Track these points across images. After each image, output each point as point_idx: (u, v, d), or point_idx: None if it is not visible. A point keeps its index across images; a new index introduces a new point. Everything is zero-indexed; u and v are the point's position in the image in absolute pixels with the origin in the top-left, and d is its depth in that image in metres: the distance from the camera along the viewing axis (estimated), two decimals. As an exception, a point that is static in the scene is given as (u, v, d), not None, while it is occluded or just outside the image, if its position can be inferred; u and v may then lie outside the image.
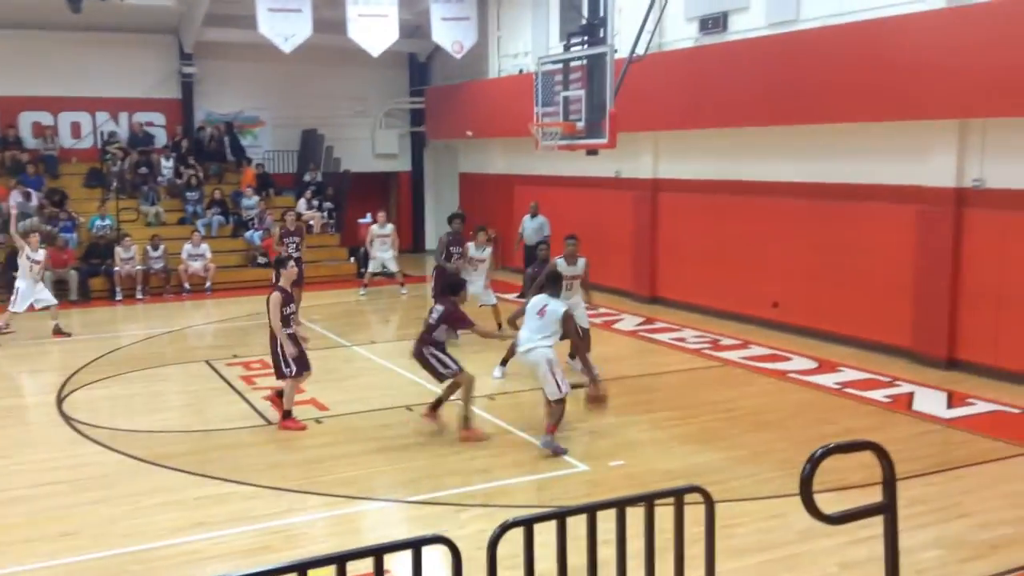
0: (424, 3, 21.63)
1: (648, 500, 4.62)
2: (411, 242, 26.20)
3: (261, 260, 20.56)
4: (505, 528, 4.21)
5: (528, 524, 4.25)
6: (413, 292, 19.22)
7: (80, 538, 7.09)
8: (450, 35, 21.50)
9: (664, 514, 4.66)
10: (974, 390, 11.16)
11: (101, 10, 20.26)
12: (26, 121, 22.02)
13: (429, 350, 9.40)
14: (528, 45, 20.85)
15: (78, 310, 17.41)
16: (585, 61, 13.33)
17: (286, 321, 9.71)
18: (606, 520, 4.49)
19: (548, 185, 20.00)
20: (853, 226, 13.41)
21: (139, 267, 18.92)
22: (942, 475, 8.28)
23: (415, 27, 23.40)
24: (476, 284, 13.56)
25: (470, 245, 13.75)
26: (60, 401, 11.10)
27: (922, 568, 6.35)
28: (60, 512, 7.61)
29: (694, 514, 4.75)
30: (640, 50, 13.72)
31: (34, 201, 19.40)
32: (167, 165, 22.18)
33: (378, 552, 3.91)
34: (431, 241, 25.98)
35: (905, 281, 12.65)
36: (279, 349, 9.69)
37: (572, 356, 11.40)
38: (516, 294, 17.89)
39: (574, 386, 10.71)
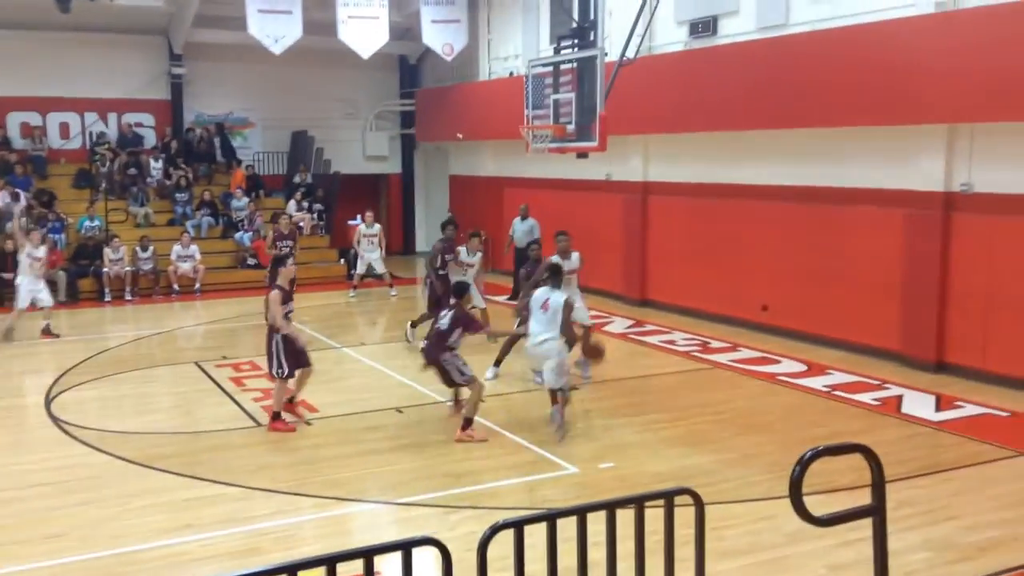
0: (414, 5, 21.64)
1: (638, 502, 4.63)
2: (401, 244, 26.20)
3: (251, 261, 20.54)
4: (496, 530, 4.21)
5: (518, 526, 4.26)
6: (403, 294, 19.21)
7: (68, 540, 7.05)
8: (440, 37, 21.51)
9: (654, 516, 4.67)
10: (962, 393, 11.21)
11: (90, 10, 20.20)
12: (14, 121, 21.93)
13: (446, 356, 9.41)
14: (518, 48, 20.86)
15: (66, 311, 17.32)
16: (575, 64, 13.33)
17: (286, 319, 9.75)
18: (596, 522, 4.50)
19: (538, 188, 20.01)
20: (842, 230, 13.46)
21: (128, 268, 18.84)
22: (931, 478, 8.32)
23: (405, 29, 23.41)
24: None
25: (461, 249, 13.76)
26: (49, 402, 11.04)
27: (910, 570, 6.37)
28: (48, 514, 7.58)
29: (684, 516, 4.76)
30: (630, 53, 13.75)
31: (22, 201, 19.31)
32: (156, 166, 22.11)
33: (368, 554, 3.91)
34: (421, 243, 26.00)
35: (894, 285, 12.70)
36: (274, 348, 9.69)
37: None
38: (507, 296, 17.95)
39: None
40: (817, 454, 4.29)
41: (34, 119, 22.02)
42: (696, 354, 13.62)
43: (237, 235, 21.12)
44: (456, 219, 16.17)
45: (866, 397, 11.10)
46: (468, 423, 9.41)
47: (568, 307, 9.69)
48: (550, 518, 4.40)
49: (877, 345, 12.96)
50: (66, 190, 21.08)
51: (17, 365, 13.41)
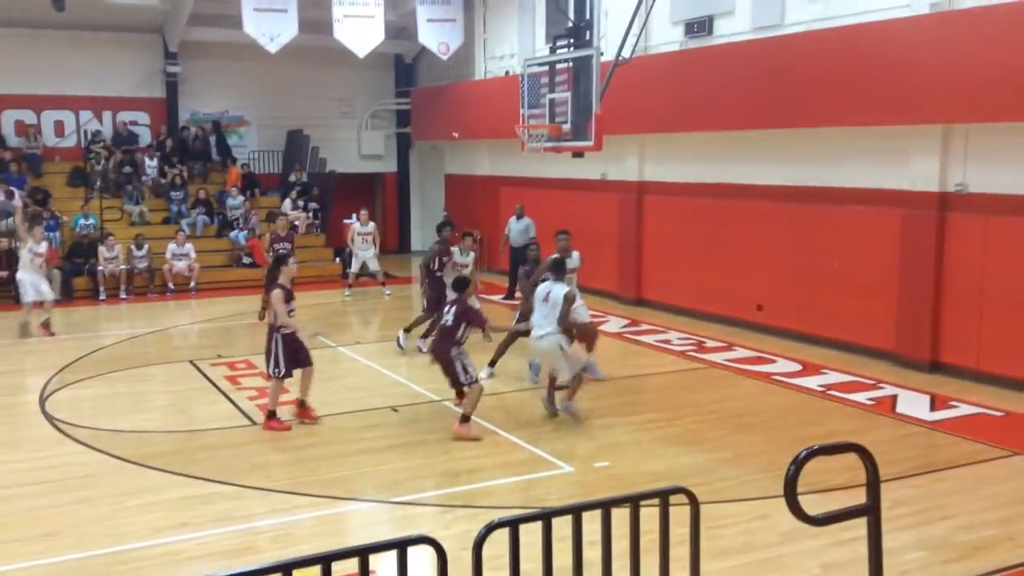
0: (410, 4, 21.62)
1: (633, 501, 4.64)
2: (397, 243, 26.20)
3: (246, 260, 20.52)
4: (491, 529, 4.21)
5: (514, 525, 4.26)
6: (398, 293, 19.20)
7: (62, 538, 7.04)
8: (436, 36, 21.50)
9: (649, 515, 4.68)
10: (957, 393, 11.23)
11: (85, 8, 20.18)
12: (9, 119, 21.91)
13: (454, 352, 9.50)
14: (514, 47, 20.86)
15: (61, 309, 17.24)
16: (571, 63, 13.34)
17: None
18: (591, 521, 4.50)
19: (534, 187, 20.01)
20: (837, 229, 13.47)
21: (123, 266, 18.82)
22: (925, 477, 8.33)
23: (401, 28, 23.39)
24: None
25: (455, 250, 13.76)
26: (43, 400, 11.03)
27: (905, 569, 6.38)
28: (42, 512, 7.57)
29: (679, 515, 4.77)
30: (626, 53, 13.75)
31: (17, 200, 19.28)
32: (151, 164, 22.07)
33: (363, 552, 3.90)
34: (416, 243, 26.00)
35: (889, 284, 12.72)
36: (273, 347, 9.69)
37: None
38: (502, 295, 17.95)
39: (563, 387, 10.84)
40: (812, 453, 4.30)
41: (29, 117, 22.00)
42: (691, 353, 13.64)
43: (232, 234, 21.09)
44: (452, 219, 16.14)
45: (861, 397, 11.12)
46: (466, 419, 9.44)
47: (568, 300, 9.81)
48: (545, 517, 4.40)
49: (872, 345, 12.98)
50: (61, 188, 21.05)
51: (11, 363, 13.38)
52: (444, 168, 25.29)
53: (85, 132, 22.37)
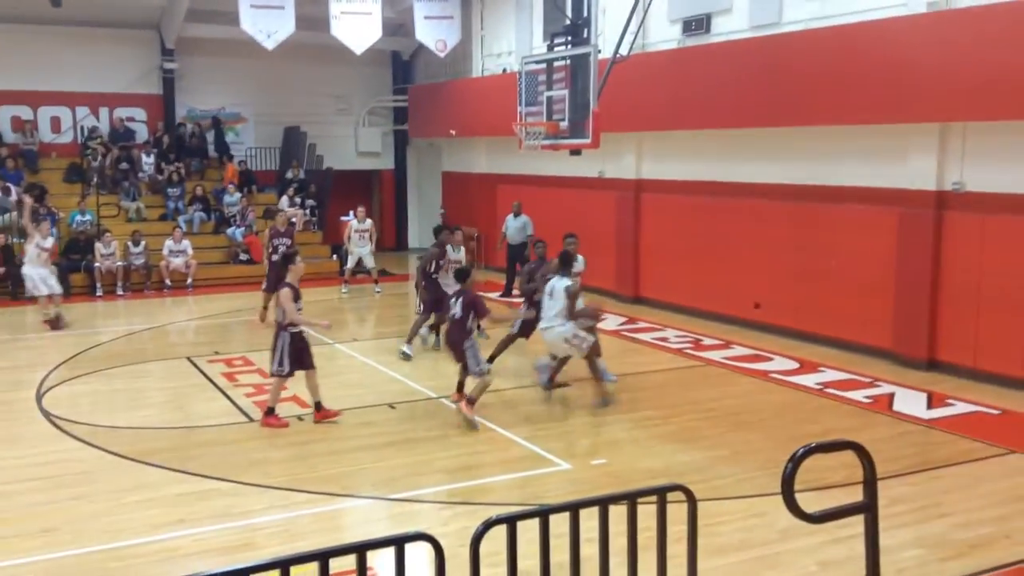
0: (407, 1, 21.57)
1: (631, 498, 4.65)
2: (394, 240, 26.18)
3: (243, 257, 20.50)
4: (488, 525, 4.22)
5: (511, 522, 4.26)
6: (395, 290, 19.18)
7: (60, 534, 7.03)
8: (433, 34, 21.48)
9: (647, 512, 4.68)
10: (954, 391, 11.25)
11: (82, 4, 20.16)
12: (5, 115, 21.85)
13: (468, 342, 9.82)
14: (512, 44, 20.84)
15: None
16: (569, 61, 13.34)
17: None
18: (589, 518, 4.51)
19: (531, 184, 20.01)
20: (835, 228, 13.48)
21: (120, 263, 18.79)
22: (922, 475, 8.34)
23: (398, 25, 23.37)
24: (453, 285, 13.51)
25: (448, 248, 13.73)
26: (40, 397, 11.01)
27: (902, 567, 6.40)
28: (40, 508, 7.56)
29: (676, 512, 4.78)
30: (624, 51, 13.76)
31: (13, 196, 19.25)
32: (148, 161, 22.05)
33: (361, 549, 3.91)
34: (414, 240, 26.00)
35: (886, 283, 12.73)
36: (279, 344, 9.69)
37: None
38: (499, 293, 17.94)
39: (559, 385, 10.87)
40: (809, 451, 4.31)
41: (25, 113, 21.95)
42: (688, 351, 13.64)
43: (229, 230, 21.07)
44: (449, 219, 16.13)
45: (858, 395, 11.13)
46: (472, 401, 9.63)
47: (570, 294, 10.11)
48: (543, 514, 4.41)
49: (869, 343, 13.00)
50: (57, 184, 21.00)
51: (7, 359, 13.35)
52: (441, 165, 25.28)
53: (82, 128, 22.32)
